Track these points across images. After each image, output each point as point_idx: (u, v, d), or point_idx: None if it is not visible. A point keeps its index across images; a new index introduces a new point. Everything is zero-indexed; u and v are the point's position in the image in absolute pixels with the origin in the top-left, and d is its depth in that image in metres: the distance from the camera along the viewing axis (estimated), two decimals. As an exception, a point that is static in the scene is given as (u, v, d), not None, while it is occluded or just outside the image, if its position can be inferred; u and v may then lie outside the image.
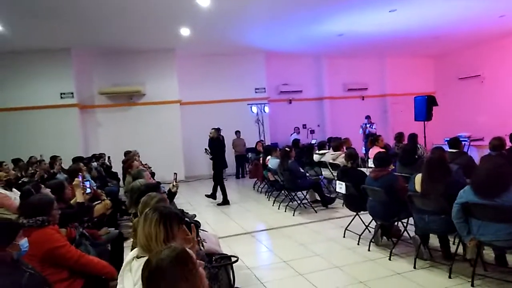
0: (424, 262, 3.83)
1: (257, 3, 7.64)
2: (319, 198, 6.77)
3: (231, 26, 9.19)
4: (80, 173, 4.37)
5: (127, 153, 8.44)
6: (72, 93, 10.39)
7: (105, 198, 4.56)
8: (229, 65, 12.05)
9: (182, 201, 7.83)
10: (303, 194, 6.72)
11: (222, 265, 2.88)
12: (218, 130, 7.85)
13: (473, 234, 3.17)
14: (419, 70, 14.53)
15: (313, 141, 11.19)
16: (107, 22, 8.24)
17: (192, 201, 8.05)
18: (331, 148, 7.91)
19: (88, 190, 4.02)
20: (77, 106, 10.50)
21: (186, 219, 2.57)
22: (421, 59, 14.48)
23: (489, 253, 3.76)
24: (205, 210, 7.18)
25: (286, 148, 6.88)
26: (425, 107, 9.14)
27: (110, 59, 10.96)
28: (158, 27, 8.79)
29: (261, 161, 8.24)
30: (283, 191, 7.24)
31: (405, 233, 4.23)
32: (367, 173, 4.81)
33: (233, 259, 2.98)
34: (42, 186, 3.81)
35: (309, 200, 6.78)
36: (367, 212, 4.52)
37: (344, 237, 4.91)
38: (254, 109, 12.09)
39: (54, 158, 7.62)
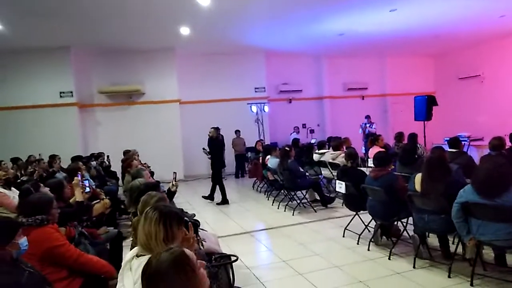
0: (423, 262, 3.83)
1: (257, 2, 7.63)
2: (318, 198, 6.77)
3: (231, 25, 9.18)
4: (79, 172, 4.37)
5: (126, 152, 8.43)
6: (71, 92, 10.37)
7: (104, 197, 4.55)
8: (229, 64, 12.04)
9: (181, 201, 7.81)
10: (302, 194, 6.72)
11: (221, 264, 2.88)
12: (217, 129, 7.84)
13: (473, 233, 3.17)
14: (419, 70, 14.53)
15: (313, 141, 11.18)
16: (107, 21, 8.22)
17: (191, 201, 8.04)
18: (330, 148, 7.91)
19: (87, 189, 4.01)
20: (77, 105, 10.48)
21: (186, 218, 2.57)
22: (421, 58, 14.48)
23: (488, 253, 3.76)
24: (204, 210, 7.17)
25: (286, 148, 6.88)
26: (425, 106, 9.14)
27: (109, 58, 10.94)
28: (158, 26, 8.77)
29: (260, 161, 8.24)
30: (282, 191, 7.23)
31: (405, 233, 4.23)
32: (367, 173, 4.80)
33: (233, 258, 2.97)
34: (41, 185, 3.81)
35: (308, 199, 6.78)
36: (367, 211, 4.52)
37: (343, 236, 4.91)
38: (254, 108, 12.08)
39: (53, 157, 7.60)
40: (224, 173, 10.92)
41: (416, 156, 5.87)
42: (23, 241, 2.15)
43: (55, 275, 2.47)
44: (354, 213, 4.97)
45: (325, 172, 7.61)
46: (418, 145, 6.90)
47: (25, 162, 7.66)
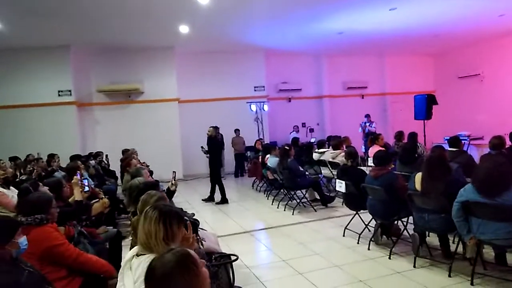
0: (424, 261, 3.83)
1: (257, 1, 7.61)
2: (318, 197, 6.76)
3: (230, 24, 9.16)
4: (78, 171, 4.35)
5: (125, 151, 8.40)
6: (70, 91, 10.33)
7: (103, 196, 4.54)
8: (228, 63, 12.01)
9: (181, 200, 7.80)
10: (302, 193, 6.71)
11: (222, 264, 2.86)
12: (216, 128, 7.83)
13: (473, 232, 3.17)
14: (419, 69, 14.53)
15: (313, 140, 11.17)
16: (106, 19, 8.19)
17: (191, 200, 8.03)
18: (330, 147, 7.90)
19: (86, 189, 4.00)
20: (75, 104, 10.45)
21: (185, 217, 2.55)
22: (421, 57, 14.48)
23: (488, 252, 3.76)
24: (203, 209, 7.16)
25: (286, 147, 6.86)
26: (425, 105, 9.14)
27: (108, 56, 10.91)
28: (157, 24, 8.75)
29: (260, 160, 8.22)
30: (282, 190, 7.22)
31: (405, 232, 4.23)
32: (367, 172, 4.79)
33: (233, 257, 2.96)
34: (40, 184, 3.79)
35: (308, 199, 6.77)
36: (367, 211, 4.51)
37: (343, 236, 4.91)
38: (253, 107, 12.06)
39: (51, 156, 7.58)
40: (224, 172, 10.95)
41: (416, 155, 5.87)
42: (22, 240, 2.14)
43: (54, 274, 2.46)
44: (354, 212, 4.96)
45: (325, 171, 7.61)
46: (418, 144, 6.90)
47: (23, 161, 7.63)
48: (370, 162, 5.84)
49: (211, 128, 7.70)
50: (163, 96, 11.16)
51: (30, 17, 7.60)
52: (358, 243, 4.58)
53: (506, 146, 5.25)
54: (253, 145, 10.76)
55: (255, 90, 12.34)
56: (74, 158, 7.00)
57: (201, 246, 2.82)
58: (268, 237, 5.39)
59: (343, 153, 6.65)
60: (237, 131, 11.50)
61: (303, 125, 13.46)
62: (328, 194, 7.02)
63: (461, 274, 3.47)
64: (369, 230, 4.67)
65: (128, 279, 1.85)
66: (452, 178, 3.64)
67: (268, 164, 7.43)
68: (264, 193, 8.09)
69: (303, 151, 8.52)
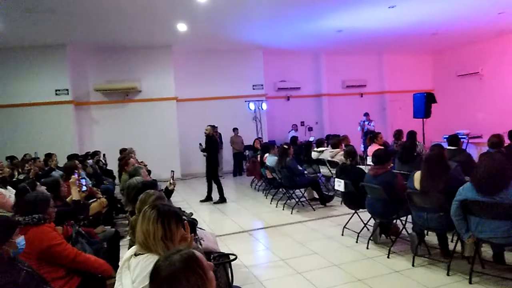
0: (422, 260, 3.83)
1: (255, -1, 7.60)
2: (317, 196, 6.76)
3: (228, 22, 9.14)
4: (76, 171, 4.33)
5: (122, 151, 8.39)
6: (67, 90, 10.29)
7: (101, 196, 4.52)
8: (226, 62, 11.99)
9: (179, 199, 7.80)
10: (301, 192, 6.71)
11: (221, 263, 2.85)
12: (213, 127, 7.83)
13: (472, 231, 3.18)
14: (418, 67, 14.55)
15: (311, 139, 11.17)
16: (103, 17, 8.15)
17: (189, 199, 8.01)
18: (329, 146, 7.89)
19: (84, 188, 3.98)
20: (72, 103, 10.41)
21: (184, 217, 2.54)
22: (420, 56, 14.49)
23: (487, 251, 3.77)
24: (201, 209, 7.15)
25: (285, 146, 6.85)
26: (424, 104, 9.14)
27: (105, 55, 10.87)
28: (154, 22, 8.71)
29: (259, 159, 8.21)
30: (281, 189, 7.22)
31: (404, 231, 4.23)
32: (366, 171, 4.79)
33: (232, 257, 2.95)
34: (38, 183, 3.77)
35: (307, 198, 6.77)
36: (366, 210, 4.51)
37: (342, 235, 4.91)
38: (252, 106, 12.05)
39: (49, 156, 7.55)
40: (222, 171, 10.94)
41: (415, 154, 5.86)
42: (20, 240, 2.13)
43: (52, 274, 2.45)
44: (353, 211, 4.96)
45: (324, 170, 7.60)
46: (417, 143, 6.89)
47: (21, 161, 7.61)
48: (369, 160, 5.83)
49: (209, 127, 7.69)
50: (161, 95, 11.13)
51: (25, 16, 7.55)
52: (356, 242, 4.58)
53: (505, 145, 5.26)
54: (251, 144, 10.75)
55: (253, 89, 12.32)
56: (71, 157, 6.98)
57: (200, 246, 2.82)
58: (266, 236, 5.38)
59: (342, 152, 6.64)
60: (235, 130, 11.48)
61: (302, 123, 13.46)
62: (327, 193, 7.02)
63: (459, 273, 3.47)
64: (368, 229, 4.67)
65: (126, 278, 1.84)
66: (451, 177, 3.63)
67: (267, 163, 7.42)
68: (263, 192, 8.09)
69: (302, 150, 8.52)
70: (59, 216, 2.99)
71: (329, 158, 7.26)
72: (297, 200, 6.56)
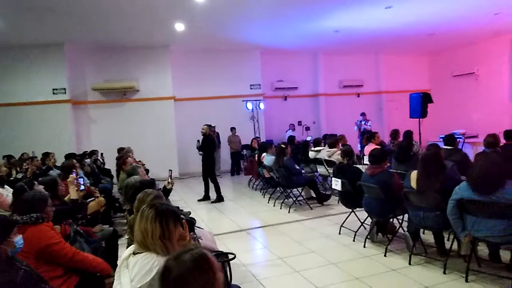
0: (419, 258, 3.86)
1: (253, -1, 7.60)
2: (314, 195, 6.77)
3: (226, 22, 9.14)
4: (74, 170, 4.33)
5: (120, 150, 8.38)
6: (64, 89, 10.27)
7: (99, 195, 4.52)
8: (224, 61, 11.99)
9: (177, 198, 7.81)
10: (298, 191, 6.72)
11: (219, 262, 2.86)
12: (210, 126, 7.85)
13: (468, 230, 3.20)
14: (414, 67, 14.61)
15: (309, 138, 11.20)
16: (102, 17, 8.13)
17: (186, 198, 8.02)
18: (326, 145, 7.91)
19: (82, 187, 3.98)
20: (70, 102, 10.38)
21: (182, 216, 2.55)
22: (416, 56, 14.56)
23: (483, 249, 3.81)
24: (199, 208, 7.16)
25: (282, 145, 6.87)
26: (420, 104, 9.17)
27: (103, 54, 10.85)
28: (152, 22, 8.70)
29: (256, 158, 8.22)
30: (278, 188, 7.24)
31: (400, 230, 4.25)
32: (363, 170, 4.81)
33: (230, 256, 2.96)
34: (36, 182, 3.76)
35: (304, 197, 6.79)
36: (363, 209, 4.53)
37: (339, 234, 4.93)
38: (249, 105, 12.06)
39: (46, 155, 7.54)
40: (220, 171, 10.95)
41: (412, 153, 5.89)
42: (18, 239, 2.13)
43: (50, 273, 2.45)
44: (350, 210, 4.98)
45: (321, 169, 7.62)
46: (414, 143, 6.93)
47: (18, 160, 7.58)
48: (366, 160, 5.85)
49: (205, 126, 7.69)
50: (158, 94, 11.12)
51: (24, 14, 7.54)
52: (353, 240, 4.60)
53: (501, 144, 5.30)
54: (249, 143, 10.76)
55: (251, 88, 12.33)
56: (69, 156, 6.97)
57: (198, 245, 2.82)
58: (264, 235, 5.39)
59: (339, 152, 6.65)
60: (233, 129, 11.49)
61: (299, 123, 13.48)
62: (324, 192, 7.04)
63: (455, 271, 3.50)
64: (365, 228, 4.69)
65: (125, 277, 1.85)
66: (447, 176, 3.66)
67: (265, 162, 7.43)
68: (260, 191, 8.10)
69: (299, 150, 8.53)
70: (57, 215, 2.98)
71: (326, 158, 7.28)
72: (294, 199, 6.58)
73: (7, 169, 6.08)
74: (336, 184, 4.95)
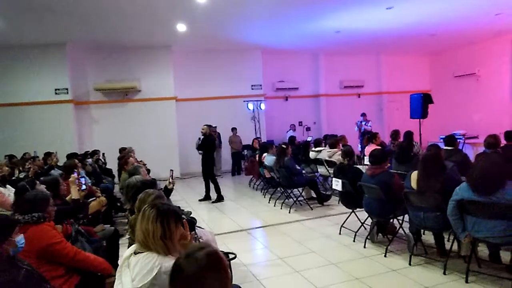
0: (419, 259, 3.86)
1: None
2: (315, 195, 6.78)
3: (227, 22, 9.15)
4: (75, 170, 4.34)
5: (122, 150, 8.40)
6: (66, 89, 10.29)
7: (100, 195, 4.54)
8: (225, 62, 12.01)
9: (178, 198, 7.82)
10: (299, 191, 6.74)
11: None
12: (210, 126, 7.87)
13: (468, 230, 3.20)
14: (415, 68, 14.60)
15: (309, 138, 11.20)
16: (103, 17, 8.15)
17: (187, 198, 8.04)
18: (327, 146, 7.92)
19: (84, 187, 3.99)
20: (72, 102, 10.41)
21: (183, 215, 2.56)
22: (417, 56, 14.54)
23: (483, 250, 3.81)
24: (200, 207, 7.17)
25: (283, 145, 6.88)
26: (421, 104, 9.17)
27: (105, 54, 10.87)
28: (154, 22, 8.72)
29: (257, 158, 8.24)
30: (279, 188, 7.25)
31: (401, 230, 4.26)
32: (363, 170, 4.82)
33: (231, 256, 2.97)
34: (37, 182, 3.78)
35: (305, 197, 6.80)
36: (363, 209, 4.53)
37: (340, 234, 4.93)
38: (250, 106, 12.07)
39: (48, 155, 7.56)
40: (220, 171, 10.97)
41: (412, 154, 5.89)
42: (20, 238, 2.14)
43: (52, 272, 2.46)
44: (351, 210, 4.99)
45: (322, 169, 7.63)
46: (414, 143, 6.93)
47: (20, 159, 7.61)
48: (366, 160, 5.86)
49: (205, 126, 7.71)
50: (160, 95, 11.14)
51: (24, 14, 7.55)
52: (354, 241, 4.61)
53: (501, 145, 5.30)
54: (250, 143, 10.77)
55: (252, 89, 12.34)
56: (71, 156, 6.99)
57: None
58: (265, 235, 5.41)
59: (339, 152, 6.66)
60: (234, 129, 11.50)
61: (300, 123, 13.49)
62: (324, 192, 7.05)
63: (456, 272, 3.50)
64: (365, 228, 4.70)
65: (126, 276, 1.86)
66: (448, 177, 3.66)
67: (265, 162, 7.45)
68: (261, 192, 8.11)
69: (300, 150, 8.54)
70: (59, 215, 3.00)
71: (327, 158, 7.29)
72: (295, 199, 6.59)
73: (9, 169, 6.10)
74: (337, 184, 4.96)
